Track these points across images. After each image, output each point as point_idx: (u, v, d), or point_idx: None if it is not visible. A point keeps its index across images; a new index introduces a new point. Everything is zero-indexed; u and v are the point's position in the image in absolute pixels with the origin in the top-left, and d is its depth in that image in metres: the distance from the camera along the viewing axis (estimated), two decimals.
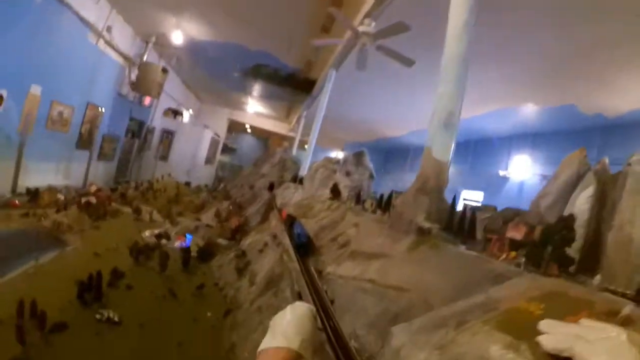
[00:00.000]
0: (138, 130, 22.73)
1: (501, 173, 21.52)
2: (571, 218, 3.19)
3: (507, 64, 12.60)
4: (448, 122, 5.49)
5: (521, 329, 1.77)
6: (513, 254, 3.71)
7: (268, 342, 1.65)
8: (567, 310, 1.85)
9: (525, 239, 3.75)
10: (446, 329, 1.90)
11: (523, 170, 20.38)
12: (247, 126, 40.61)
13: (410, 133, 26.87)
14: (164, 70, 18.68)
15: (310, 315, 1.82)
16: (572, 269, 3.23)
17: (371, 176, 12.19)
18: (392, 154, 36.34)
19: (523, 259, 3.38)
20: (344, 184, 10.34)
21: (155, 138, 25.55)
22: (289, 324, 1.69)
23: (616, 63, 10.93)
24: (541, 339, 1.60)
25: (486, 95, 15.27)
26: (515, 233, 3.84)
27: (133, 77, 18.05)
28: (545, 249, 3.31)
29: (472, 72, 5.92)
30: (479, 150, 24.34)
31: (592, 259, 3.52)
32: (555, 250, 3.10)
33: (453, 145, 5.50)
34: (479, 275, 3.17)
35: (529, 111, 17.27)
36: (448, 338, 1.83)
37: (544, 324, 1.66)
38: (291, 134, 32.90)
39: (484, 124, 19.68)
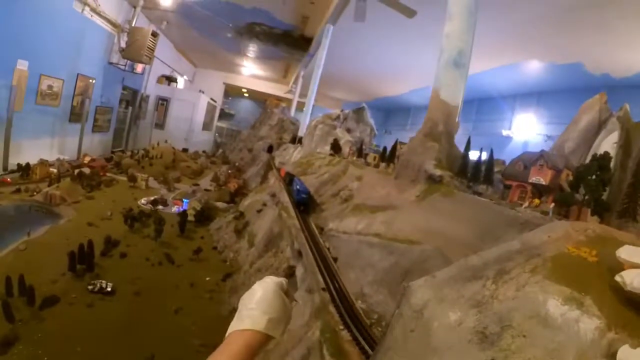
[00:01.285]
0: (132, 99, 22.14)
1: (504, 132, 21.04)
2: (607, 157, 2.76)
3: (513, 14, 11.91)
4: (458, 61, 5.00)
5: (579, 278, 1.38)
6: (537, 201, 3.30)
7: (235, 324, 1.54)
8: None
9: (552, 183, 3.34)
10: (482, 280, 1.49)
11: (526, 130, 19.91)
12: (244, 90, 39.79)
13: (411, 91, 26.22)
14: (154, 34, 17.88)
15: (278, 290, 1.71)
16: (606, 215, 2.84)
17: (373, 132, 11.73)
18: (393, 113, 35.77)
19: (551, 206, 2.97)
20: (345, 139, 9.88)
21: (150, 106, 24.90)
22: (257, 303, 1.59)
23: (629, 18, 10.20)
24: (627, 277, 1.24)
25: (490, 49, 14.59)
26: (540, 177, 3.41)
27: (123, 44, 17.33)
28: (576, 193, 2.91)
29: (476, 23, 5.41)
30: (483, 109, 23.79)
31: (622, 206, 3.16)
32: (591, 194, 2.68)
33: (464, 86, 5.02)
34: (502, 224, 2.79)
35: (533, 68, 16.72)
36: (487, 292, 1.42)
37: (625, 251, 1.37)
38: (289, 95, 32.26)
39: (488, 81, 19.08)
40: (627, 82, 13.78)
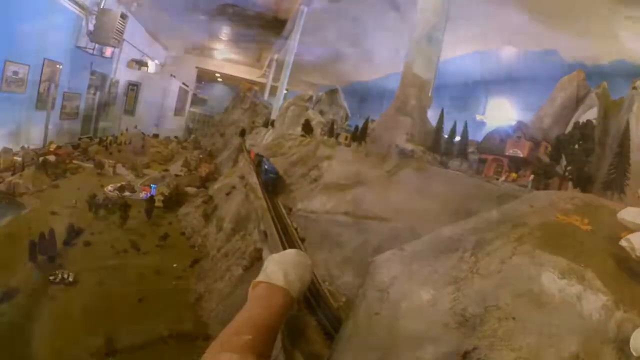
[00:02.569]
0: (101, 84, 21.13)
1: (478, 117, 21.24)
2: (590, 125, 2.56)
3: (489, 1, 11.83)
4: (432, 35, 4.77)
5: (575, 248, 1.16)
6: (514, 175, 3.11)
7: (269, 276, 1.54)
8: (619, 223, 1.25)
9: (530, 156, 3.14)
10: (459, 253, 1.24)
11: (500, 115, 20.15)
12: (218, 75, 38.99)
13: (387, 76, 26.08)
14: (123, 16, 17.14)
15: (310, 268, 1.73)
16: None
17: (346, 114, 11.48)
18: (368, 98, 35.66)
19: (530, 178, 2.78)
20: (317, 120, 9.60)
21: (120, 91, 23.86)
22: (294, 267, 1.58)
23: (604, 6, 10.16)
24: (635, 241, 1.03)
25: (466, 35, 14.52)
26: (517, 149, 3.21)
27: (91, 27, 16.57)
28: (557, 164, 2.71)
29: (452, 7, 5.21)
30: (456, 94, 23.95)
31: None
32: (574, 164, 2.48)
33: (437, 61, 4.81)
34: (477, 197, 2.58)
35: (508, 55, 16.80)
36: (465, 266, 1.18)
37: (629, 213, 1.20)
38: (262, 79, 31.74)
39: (462, 66, 19.13)
40: (601, 70, 13.80)
